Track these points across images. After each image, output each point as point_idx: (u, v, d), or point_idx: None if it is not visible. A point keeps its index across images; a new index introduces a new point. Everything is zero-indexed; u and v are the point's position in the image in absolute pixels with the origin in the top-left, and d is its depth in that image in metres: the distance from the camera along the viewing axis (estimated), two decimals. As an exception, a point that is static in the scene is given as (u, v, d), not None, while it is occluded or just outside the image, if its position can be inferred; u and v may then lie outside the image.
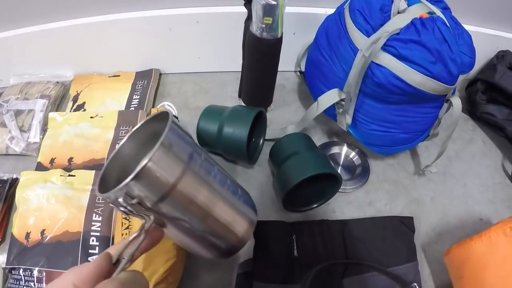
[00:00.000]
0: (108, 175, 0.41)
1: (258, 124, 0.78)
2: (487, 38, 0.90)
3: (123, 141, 0.44)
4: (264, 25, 0.66)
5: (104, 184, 0.39)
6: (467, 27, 0.66)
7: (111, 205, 0.37)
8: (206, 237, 0.45)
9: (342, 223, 0.66)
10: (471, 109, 0.91)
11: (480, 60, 0.93)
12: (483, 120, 0.88)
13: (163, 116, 0.40)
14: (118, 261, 0.34)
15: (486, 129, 0.90)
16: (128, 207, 0.35)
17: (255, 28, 0.68)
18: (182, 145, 0.38)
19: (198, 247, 0.46)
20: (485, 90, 0.89)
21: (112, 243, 0.62)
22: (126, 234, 0.62)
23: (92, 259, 0.60)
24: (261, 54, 0.71)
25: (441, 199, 0.75)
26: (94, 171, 0.70)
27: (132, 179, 0.33)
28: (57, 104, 0.87)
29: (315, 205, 0.70)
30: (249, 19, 0.70)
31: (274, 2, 0.64)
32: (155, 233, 0.38)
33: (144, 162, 0.33)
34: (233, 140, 0.68)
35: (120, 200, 0.34)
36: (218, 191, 0.43)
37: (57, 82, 0.89)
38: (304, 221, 0.67)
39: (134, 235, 0.35)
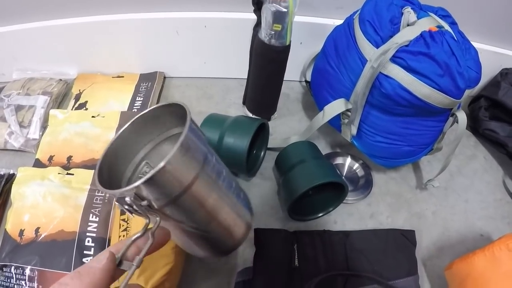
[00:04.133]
0: (104, 164, 0.38)
1: (260, 135, 0.76)
2: (492, 56, 0.90)
3: (124, 127, 0.42)
4: (273, 32, 0.66)
5: (101, 174, 0.37)
6: (472, 44, 0.65)
7: (117, 203, 0.34)
8: (206, 239, 0.43)
9: (344, 234, 0.65)
10: (474, 125, 0.90)
11: (484, 77, 0.91)
12: (485, 137, 0.87)
13: (176, 108, 0.39)
14: (120, 262, 0.32)
15: (488, 145, 0.89)
16: (134, 207, 0.33)
17: (264, 35, 0.67)
18: (198, 146, 0.36)
19: (195, 247, 0.45)
20: (488, 107, 0.88)
21: (108, 245, 0.60)
22: (123, 236, 0.60)
23: (87, 260, 0.58)
24: (268, 61, 0.70)
25: (442, 213, 0.74)
26: (93, 171, 0.68)
27: (145, 182, 0.31)
28: (59, 101, 0.85)
29: (320, 214, 0.69)
30: (258, 25, 0.69)
31: (284, 10, 0.63)
32: (162, 235, 0.36)
33: (161, 164, 0.31)
34: (233, 151, 0.66)
35: (127, 199, 0.32)
36: (226, 195, 0.42)
37: (60, 80, 0.87)
38: (306, 231, 0.65)
39: (138, 235, 0.34)
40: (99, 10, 0.80)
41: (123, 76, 0.88)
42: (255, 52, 0.70)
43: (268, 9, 0.64)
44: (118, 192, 0.32)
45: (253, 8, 0.68)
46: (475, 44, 0.71)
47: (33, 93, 0.83)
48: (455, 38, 0.60)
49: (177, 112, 0.39)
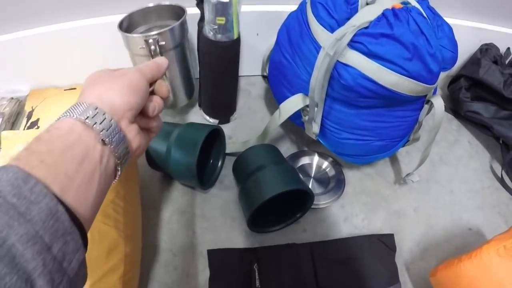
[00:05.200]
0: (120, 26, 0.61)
1: (216, 142, 0.65)
2: (469, 31, 0.78)
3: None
4: (217, 26, 0.55)
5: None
6: (446, 20, 0.55)
7: (140, 48, 0.58)
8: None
9: (312, 245, 0.54)
10: (455, 107, 0.79)
11: (463, 55, 0.81)
12: (468, 119, 0.76)
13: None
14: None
15: (472, 128, 0.78)
16: (152, 46, 0.57)
17: (207, 30, 0.56)
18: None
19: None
20: (469, 87, 0.76)
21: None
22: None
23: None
24: (216, 58, 0.59)
25: (425, 209, 0.63)
26: None
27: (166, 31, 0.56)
28: (12, 121, 0.75)
29: (283, 225, 0.58)
30: (202, 20, 0.58)
31: (226, 0, 0.52)
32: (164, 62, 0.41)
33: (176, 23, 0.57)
34: (183, 169, 0.56)
35: (151, 40, 0.57)
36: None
37: (12, 98, 0.77)
38: (268, 247, 0.55)
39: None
40: (43, 20, 0.69)
41: (75, 88, 0.78)
42: (202, 50, 0.59)
43: (209, 2, 0.53)
44: (151, 34, 0.57)
45: (196, 1, 0.57)
46: (450, 20, 0.60)
47: (-16, 114, 0.73)
48: (424, 14, 0.49)
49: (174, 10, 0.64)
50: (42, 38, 0.71)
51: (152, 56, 0.59)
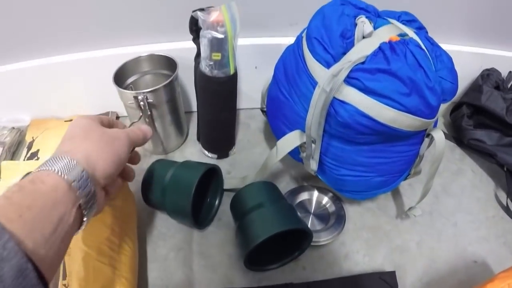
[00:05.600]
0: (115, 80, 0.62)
1: (213, 179, 0.63)
2: (470, 57, 0.76)
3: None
4: (213, 62, 0.53)
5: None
6: (446, 46, 0.52)
7: (130, 102, 0.59)
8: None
9: (309, 285, 0.51)
10: (458, 136, 0.76)
11: (464, 81, 0.78)
12: (471, 148, 0.73)
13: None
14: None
15: (475, 157, 0.74)
16: (141, 102, 0.58)
17: (204, 66, 0.54)
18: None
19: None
20: (471, 114, 0.74)
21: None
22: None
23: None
24: (213, 93, 0.57)
25: (428, 243, 0.60)
26: None
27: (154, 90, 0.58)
28: (12, 151, 0.74)
29: (281, 263, 0.55)
30: (198, 56, 0.56)
31: (221, 36, 0.51)
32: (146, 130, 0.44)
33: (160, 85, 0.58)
34: (178, 211, 0.55)
35: (140, 97, 0.58)
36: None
37: (13, 128, 0.76)
38: (265, 286, 0.52)
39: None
40: (46, 52, 0.69)
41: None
42: (199, 85, 0.58)
43: (204, 37, 0.51)
44: (140, 92, 0.58)
45: (192, 36, 0.56)
46: (450, 47, 0.58)
47: (-14, 144, 0.72)
48: (422, 46, 0.47)
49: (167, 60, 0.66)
50: (44, 69, 0.70)
51: (142, 111, 0.61)
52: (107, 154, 0.34)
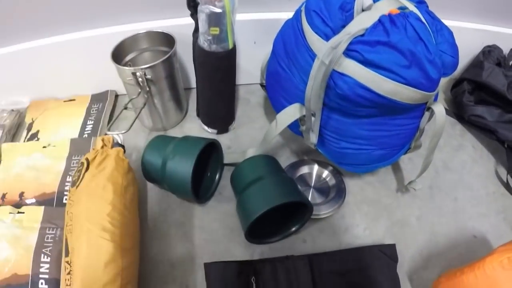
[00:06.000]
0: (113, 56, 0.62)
1: (213, 154, 0.63)
2: (471, 33, 0.76)
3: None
4: (211, 37, 0.53)
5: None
6: (447, 22, 0.52)
7: (128, 79, 0.61)
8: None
9: (310, 257, 0.52)
10: (458, 111, 0.76)
11: (465, 58, 0.78)
12: (472, 124, 0.73)
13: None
14: None
15: (476, 133, 0.75)
16: (139, 78, 0.59)
17: (202, 41, 0.54)
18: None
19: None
20: (472, 90, 0.74)
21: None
22: (68, 279, 0.49)
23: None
24: (212, 68, 0.57)
25: (428, 217, 0.61)
26: (43, 207, 0.59)
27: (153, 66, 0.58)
28: (12, 133, 0.74)
29: (282, 236, 0.56)
30: (196, 31, 0.56)
31: (219, 10, 0.51)
32: None
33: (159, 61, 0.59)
34: (179, 186, 0.55)
35: (138, 74, 0.58)
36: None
37: (12, 110, 0.76)
38: (266, 259, 0.53)
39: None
40: (43, 33, 0.69)
41: (74, 99, 0.77)
42: (198, 60, 0.58)
43: (202, 12, 0.51)
44: (138, 68, 0.58)
45: (190, 12, 0.56)
46: (451, 23, 0.58)
47: (-15, 127, 0.72)
48: (422, 19, 0.47)
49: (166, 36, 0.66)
50: (42, 50, 0.70)
51: (141, 87, 0.61)
52: None
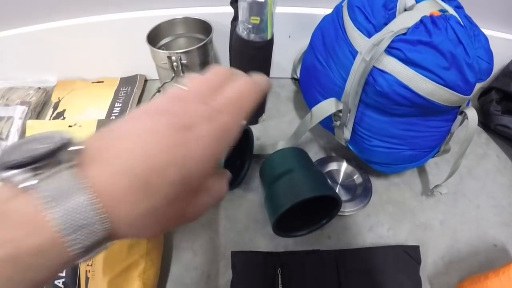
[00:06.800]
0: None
1: (244, 142, 0.64)
2: (502, 43, 0.76)
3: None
4: (251, 26, 0.54)
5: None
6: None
7: (163, 63, 0.61)
8: None
9: (337, 253, 0.53)
10: (485, 120, 0.77)
11: (495, 67, 0.76)
12: (498, 133, 0.74)
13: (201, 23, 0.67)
14: None
15: (501, 142, 0.75)
16: (174, 63, 0.60)
17: (241, 29, 0.55)
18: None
19: None
20: (500, 100, 0.74)
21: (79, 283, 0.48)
22: (90, 259, 0.50)
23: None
24: (249, 58, 0.58)
25: (451, 223, 0.62)
26: None
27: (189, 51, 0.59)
28: (38, 111, 0.76)
29: (308, 231, 0.57)
30: (235, 19, 0.57)
31: (262, 0, 0.52)
32: None
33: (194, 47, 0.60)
34: None
35: (173, 58, 0.59)
36: None
37: (39, 88, 0.77)
38: (292, 252, 0.54)
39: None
40: (75, 13, 0.70)
41: (103, 81, 0.78)
42: (234, 48, 0.59)
43: (244, 0, 0.52)
44: (174, 52, 0.59)
45: (230, 0, 0.57)
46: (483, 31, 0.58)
47: (12, 103, 0.73)
48: (462, 23, 0.48)
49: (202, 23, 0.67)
50: (71, 30, 0.71)
51: (175, 72, 0.62)
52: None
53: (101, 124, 0.68)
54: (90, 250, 0.18)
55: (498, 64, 0.78)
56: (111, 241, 0.19)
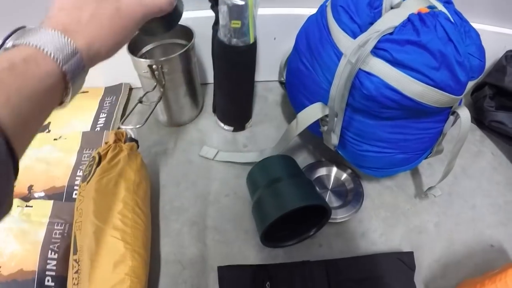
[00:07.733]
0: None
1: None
2: (494, 37, 0.73)
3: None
4: (232, 30, 0.51)
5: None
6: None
7: (144, 72, 0.58)
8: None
9: (327, 263, 0.50)
10: (479, 117, 0.74)
11: (487, 62, 0.74)
12: (492, 130, 0.71)
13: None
14: None
15: (495, 139, 0.72)
16: (156, 71, 0.57)
17: (222, 34, 0.52)
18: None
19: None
20: (493, 95, 0.71)
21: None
22: (76, 278, 0.48)
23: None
24: (231, 63, 0.55)
25: (446, 224, 0.59)
26: (52, 202, 0.57)
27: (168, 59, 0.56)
28: (22, 124, 0.72)
29: (298, 240, 0.54)
30: (216, 24, 0.54)
31: (242, 3, 0.49)
32: None
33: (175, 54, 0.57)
34: None
35: (154, 66, 0.56)
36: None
37: (23, 100, 0.74)
38: (281, 264, 0.51)
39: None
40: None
41: (87, 91, 0.75)
42: (216, 54, 0.56)
43: (223, 4, 0.49)
44: (154, 61, 0.56)
45: (210, 3, 0.54)
46: (473, 26, 0.56)
47: (-5, 116, 0.70)
48: (452, 20, 0.45)
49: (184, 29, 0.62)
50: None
51: (157, 80, 0.60)
52: (112, 40, 0.30)
53: (86, 136, 0.66)
54: (70, 62, 0.26)
55: (490, 58, 0.74)
56: (85, 57, 0.27)
